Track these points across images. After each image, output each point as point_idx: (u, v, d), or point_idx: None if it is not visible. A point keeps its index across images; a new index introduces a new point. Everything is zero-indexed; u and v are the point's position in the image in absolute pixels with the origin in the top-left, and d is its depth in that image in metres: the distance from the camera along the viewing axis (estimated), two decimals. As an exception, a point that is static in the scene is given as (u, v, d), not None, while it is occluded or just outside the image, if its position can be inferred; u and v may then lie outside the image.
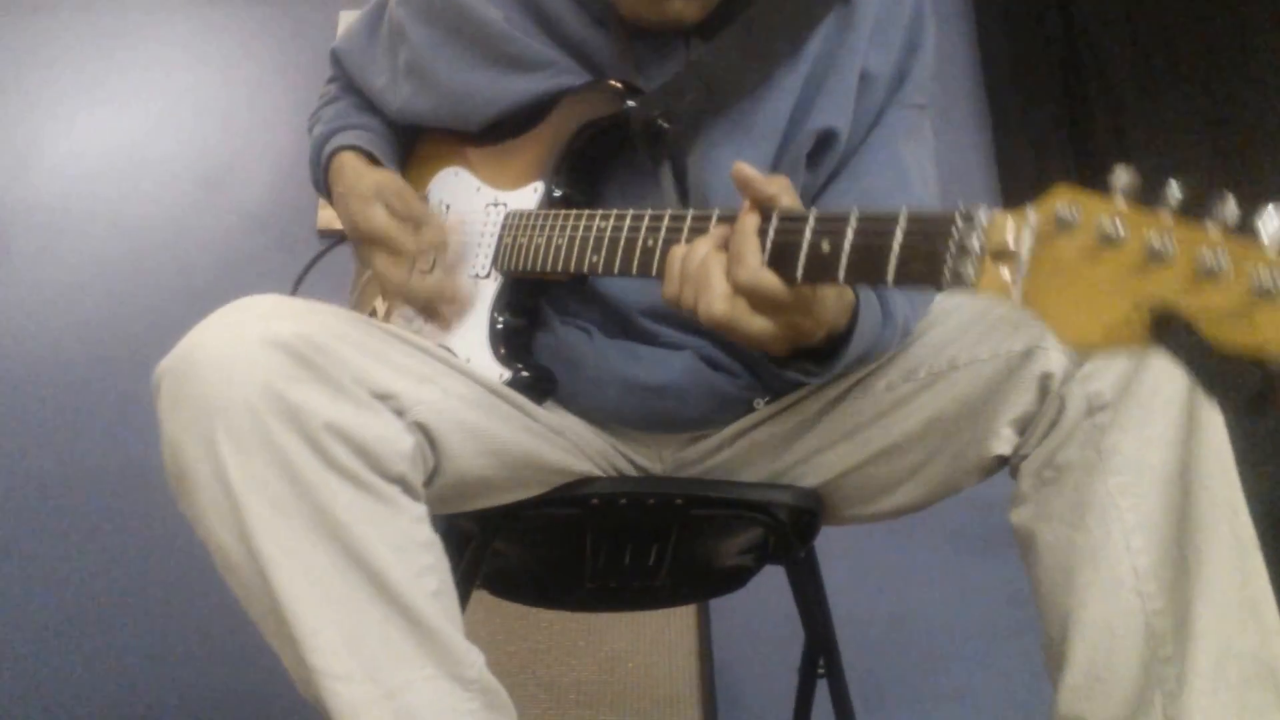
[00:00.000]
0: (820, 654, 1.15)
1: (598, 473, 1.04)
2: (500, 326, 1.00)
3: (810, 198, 1.06)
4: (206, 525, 0.76)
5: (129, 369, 2.11)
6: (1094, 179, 2.15)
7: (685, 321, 0.99)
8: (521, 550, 1.07)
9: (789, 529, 1.03)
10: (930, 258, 0.64)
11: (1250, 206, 0.53)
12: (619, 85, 0.99)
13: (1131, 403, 0.84)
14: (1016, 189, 2.41)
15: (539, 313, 1.05)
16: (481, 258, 1.04)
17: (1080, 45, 2.35)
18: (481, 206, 1.07)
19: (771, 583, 1.20)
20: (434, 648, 0.78)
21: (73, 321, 2.16)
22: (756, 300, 0.75)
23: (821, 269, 0.72)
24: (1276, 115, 2.03)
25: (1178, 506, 0.83)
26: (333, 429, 0.76)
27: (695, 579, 1.16)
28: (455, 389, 0.89)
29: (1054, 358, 0.88)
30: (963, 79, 2.52)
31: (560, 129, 1.02)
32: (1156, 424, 0.84)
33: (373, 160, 1.13)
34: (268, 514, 0.74)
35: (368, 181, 1.07)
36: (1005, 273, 0.59)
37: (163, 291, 2.20)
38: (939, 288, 0.65)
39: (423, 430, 0.84)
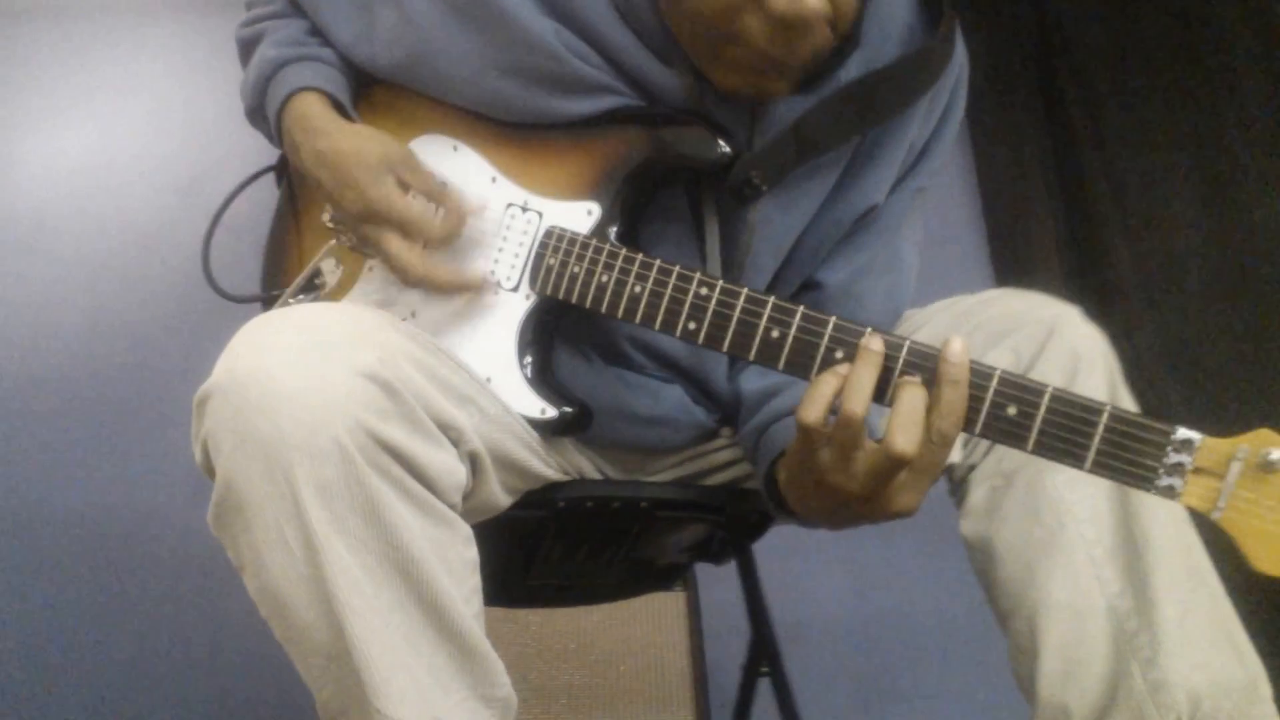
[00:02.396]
0: (763, 654, 1.15)
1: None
2: (530, 351, 0.94)
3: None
4: (263, 560, 0.73)
5: (107, 376, 2.11)
6: (1073, 178, 2.09)
7: (669, 360, 1.01)
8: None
9: (742, 530, 1.03)
10: (1141, 464, 0.70)
11: None
12: (708, 129, 0.92)
13: None
14: (996, 191, 2.39)
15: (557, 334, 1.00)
16: (506, 266, 0.95)
17: (1053, 44, 2.34)
18: (500, 204, 0.96)
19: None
20: (473, 671, 0.77)
21: (50, 330, 2.14)
22: (932, 451, 0.74)
23: (1005, 433, 0.74)
24: (1260, 127, 2.02)
25: (1119, 494, 0.88)
26: (407, 462, 0.74)
27: (637, 577, 1.17)
28: (488, 408, 0.88)
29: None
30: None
31: (630, 150, 0.93)
32: None
33: (336, 105, 1.02)
34: (346, 557, 0.71)
35: (374, 148, 0.95)
36: (1209, 491, 0.69)
37: (140, 299, 2.18)
38: (1143, 490, 0.71)
39: (472, 459, 0.83)
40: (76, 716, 1.96)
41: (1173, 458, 0.69)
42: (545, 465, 0.98)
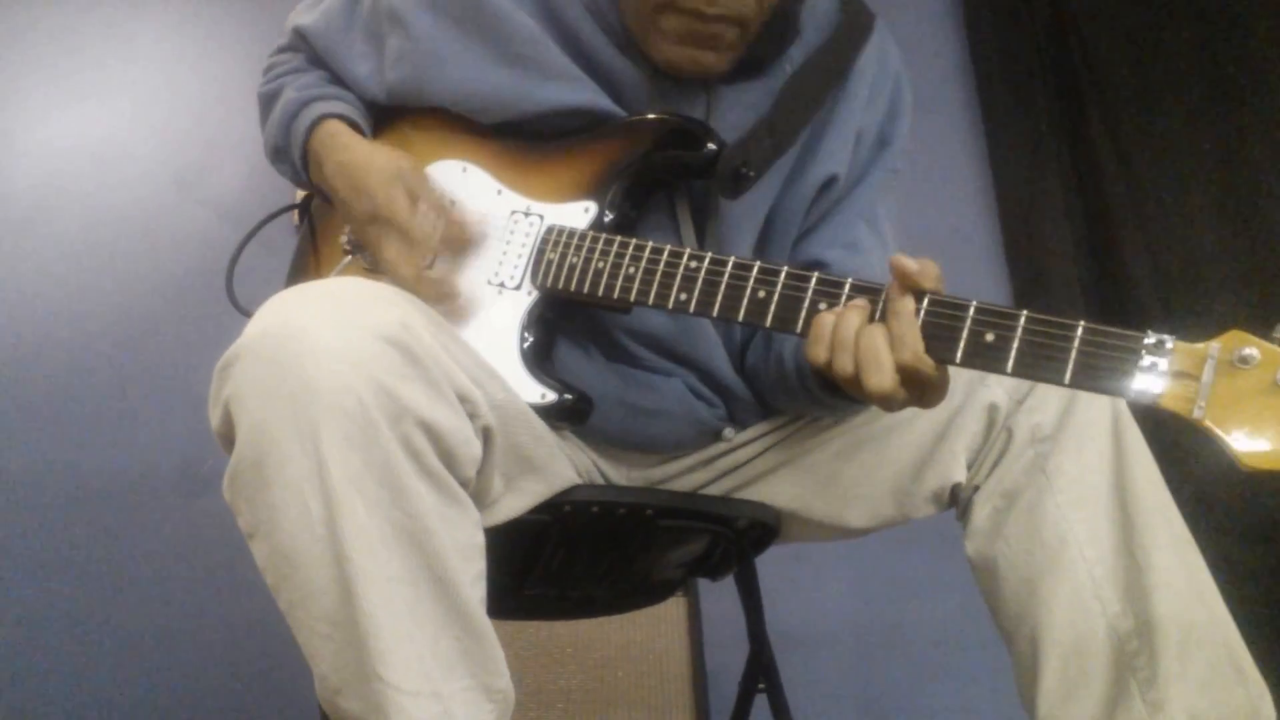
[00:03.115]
0: (760, 669, 1.16)
1: (580, 482, 1.04)
2: (531, 343, 0.97)
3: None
4: (278, 520, 0.73)
5: (101, 366, 2.09)
6: (1090, 178, 2.09)
7: (670, 350, 1.04)
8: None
9: (747, 543, 1.03)
10: (1116, 369, 0.71)
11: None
12: (697, 127, 1.00)
13: (1069, 431, 0.94)
14: (1011, 191, 2.37)
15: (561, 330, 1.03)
16: (509, 267, 1.00)
17: (1070, 40, 2.32)
18: (505, 212, 1.03)
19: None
20: (477, 657, 0.78)
21: (47, 314, 2.13)
22: (909, 378, 0.79)
23: (984, 358, 0.77)
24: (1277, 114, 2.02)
25: (1120, 516, 0.91)
26: (428, 430, 0.75)
27: (631, 590, 1.18)
28: (497, 394, 0.89)
29: (996, 391, 0.97)
30: (953, 76, 2.48)
31: (621, 152, 1.00)
32: (1091, 448, 0.93)
33: (359, 131, 1.10)
34: (363, 517, 0.72)
35: (388, 160, 1.03)
36: (1187, 393, 0.69)
37: (135, 288, 2.16)
38: (1121, 395, 0.72)
39: (485, 435, 0.84)
40: (80, 683, 1.96)
41: (1147, 360, 0.70)
42: (551, 457, 0.98)
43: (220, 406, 0.76)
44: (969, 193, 2.42)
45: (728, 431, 1.09)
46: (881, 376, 0.79)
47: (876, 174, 1.12)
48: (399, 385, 0.73)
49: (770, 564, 1.19)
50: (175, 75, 2.31)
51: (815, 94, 1.05)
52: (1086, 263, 2.26)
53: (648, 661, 1.78)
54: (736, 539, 1.04)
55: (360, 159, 1.04)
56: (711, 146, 0.99)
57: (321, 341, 0.72)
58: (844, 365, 0.81)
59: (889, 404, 0.81)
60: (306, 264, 1.20)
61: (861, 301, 0.83)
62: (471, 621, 0.77)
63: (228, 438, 0.76)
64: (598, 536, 1.05)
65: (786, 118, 1.02)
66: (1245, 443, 0.67)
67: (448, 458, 0.77)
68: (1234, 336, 0.69)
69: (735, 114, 1.03)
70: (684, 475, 1.11)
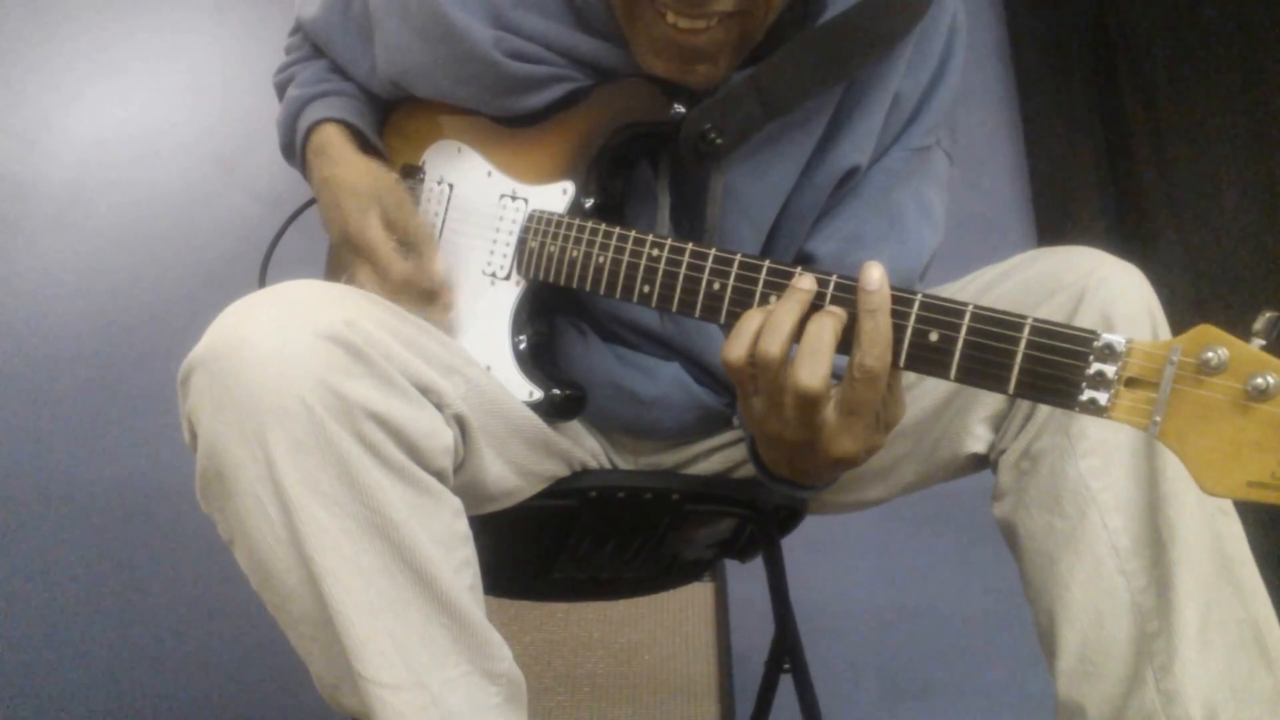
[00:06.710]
0: (785, 650, 1.15)
1: (594, 465, 1.04)
2: (523, 336, 0.95)
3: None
4: (246, 528, 0.74)
5: (141, 349, 2.08)
6: (1124, 164, 2.09)
7: (662, 342, 1.00)
8: (493, 539, 1.04)
9: (773, 524, 1.03)
10: (1060, 378, 0.64)
11: None
12: (658, 90, 0.92)
13: None
14: (1046, 173, 2.36)
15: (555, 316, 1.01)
16: (499, 256, 0.97)
17: (1109, 23, 2.30)
18: (495, 197, 0.99)
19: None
20: (470, 644, 0.77)
21: (84, 301, 2.12)
22: (858, 389, 0.72)
23: (927, 361, 0.70)
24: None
25: (1146, 482, 0.84)
26: (384, 424, 0.74)
27: (661, 571, 1.17)
28: (478, 380, 0.88)
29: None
30: (989, 59, 2.46)
31: (595, 124, 0.95)
32: None
33: (356, 133, 1.09)
34: (322, 517, 0.72)
35: (364, 181, 1.01)
36: (1141, 404, 0.61)
37: (175, 271, 2.14)
38: (1067, 409, 0.64)
39: (459, 423, 0.84)
40: (103, 686, 1.97)
41: (1095, 367, 0.62)
42: (562, 447, 0.98)
43: (185, 420, 0.77)
44: (1004, 179, 2.40)
45: (738, 419, 1.05)
46: (815, 368, 0.71)
47: (894, 155, 1.01)
48: (344, 382, 0.72)
49: (795, 547, 1.19)
50: (218, 56, 2.29)
51: (833, 62, 0.91)
52: (1120, 249, 2.25)
53: (674, 646, 1.79)
54: (763, 521, 1.03)
55: (342, 176, 1.02)
56: (678, 109, 0.91)
57: (262, 348, 0.72)
58: (769, 347, 0.73)
59: (813, 409, 0.73)
60: (334, 254, 1.19)
61: (809, 282, 0.75)
62: (459, 608, 0.76)
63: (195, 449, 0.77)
64: (624, 521, 1.04)
65: (781, 80, 0.90)
66: (1205, 465, 0.59)
67: (411, 449, 0.76)
68: (1201, 333, 0.60)
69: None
70: (696, 462, 1.08)
